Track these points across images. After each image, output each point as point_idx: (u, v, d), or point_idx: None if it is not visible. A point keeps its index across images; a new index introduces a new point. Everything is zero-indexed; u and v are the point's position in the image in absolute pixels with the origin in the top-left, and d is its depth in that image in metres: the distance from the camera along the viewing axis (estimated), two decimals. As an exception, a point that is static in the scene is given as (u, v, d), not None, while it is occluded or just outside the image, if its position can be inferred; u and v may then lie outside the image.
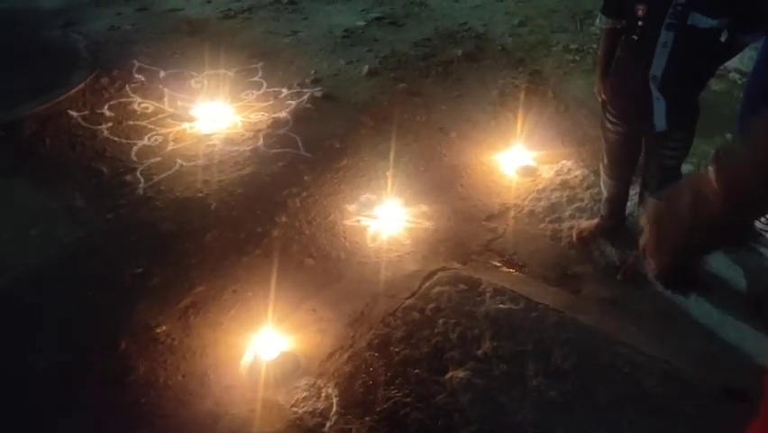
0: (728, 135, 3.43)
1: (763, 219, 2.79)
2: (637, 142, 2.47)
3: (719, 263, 2.65)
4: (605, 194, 2.74)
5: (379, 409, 2.05)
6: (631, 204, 2.83)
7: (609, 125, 2.46)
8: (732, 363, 2.23)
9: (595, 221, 2.84)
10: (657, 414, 2.01)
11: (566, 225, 2.93)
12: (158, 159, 3.48)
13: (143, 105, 3.99)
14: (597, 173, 3.13)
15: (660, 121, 2.24)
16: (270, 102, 4.08)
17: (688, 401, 2.04)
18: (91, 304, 2.55)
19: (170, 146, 3.59)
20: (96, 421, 2.09)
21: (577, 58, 4.65)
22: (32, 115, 3.80)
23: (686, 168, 2.61)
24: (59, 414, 2.11)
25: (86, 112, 3.88)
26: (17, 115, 3.79)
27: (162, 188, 3.25)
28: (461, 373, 2.14)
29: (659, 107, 2.21)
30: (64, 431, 2.07)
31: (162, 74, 4.38)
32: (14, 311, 2.54)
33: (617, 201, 2.75)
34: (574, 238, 2.84)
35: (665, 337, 2.33)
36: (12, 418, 2.10)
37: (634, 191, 2.79)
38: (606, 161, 2.61)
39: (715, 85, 4.08)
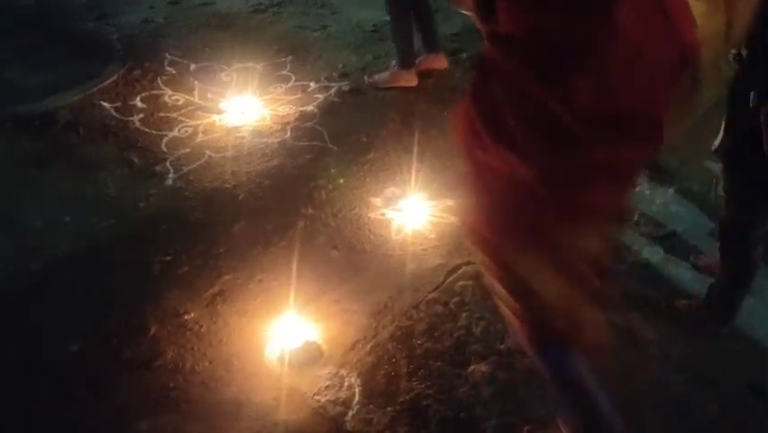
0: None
1: None
2: None
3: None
4: None
5: (401, 400, 2.07)
6: None
7: None
8: (759, 361, 2.20)
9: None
10: (682, 411, 1.99)
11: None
12: (187, 150, 3.53)
13: (174, 97, 4.04)
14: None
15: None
16: (298, 95, 4.11)
17: (713, 399, 2.01)
18: (121, 290, 2.60)
19: (200, 138, 3.64)
20: (124, 404, 2.14)
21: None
22: (66, 106, 3.88)
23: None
24: (88, 397, 2.16)
25: (119, 103, 3.95)
26: (52, 105, 3.87)
27: (191, 178, 3.30)
28: (483, 367, 2.14)
29: None
30: (92, 414, 2.12)
31: (193, 67, 4.43)
32: (46, 296, 2.60)
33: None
34: None
35: (692, 334, 2.30)
36: (41, 400, 2.16)
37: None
38: None
39: None
